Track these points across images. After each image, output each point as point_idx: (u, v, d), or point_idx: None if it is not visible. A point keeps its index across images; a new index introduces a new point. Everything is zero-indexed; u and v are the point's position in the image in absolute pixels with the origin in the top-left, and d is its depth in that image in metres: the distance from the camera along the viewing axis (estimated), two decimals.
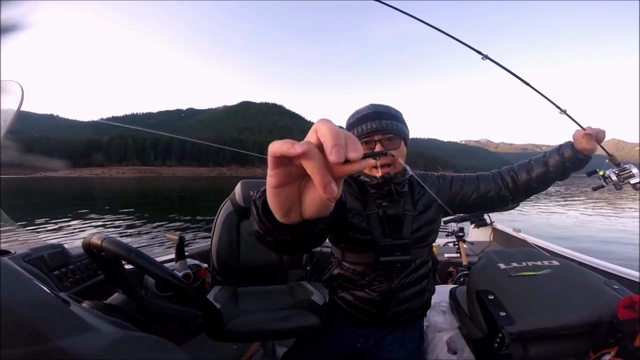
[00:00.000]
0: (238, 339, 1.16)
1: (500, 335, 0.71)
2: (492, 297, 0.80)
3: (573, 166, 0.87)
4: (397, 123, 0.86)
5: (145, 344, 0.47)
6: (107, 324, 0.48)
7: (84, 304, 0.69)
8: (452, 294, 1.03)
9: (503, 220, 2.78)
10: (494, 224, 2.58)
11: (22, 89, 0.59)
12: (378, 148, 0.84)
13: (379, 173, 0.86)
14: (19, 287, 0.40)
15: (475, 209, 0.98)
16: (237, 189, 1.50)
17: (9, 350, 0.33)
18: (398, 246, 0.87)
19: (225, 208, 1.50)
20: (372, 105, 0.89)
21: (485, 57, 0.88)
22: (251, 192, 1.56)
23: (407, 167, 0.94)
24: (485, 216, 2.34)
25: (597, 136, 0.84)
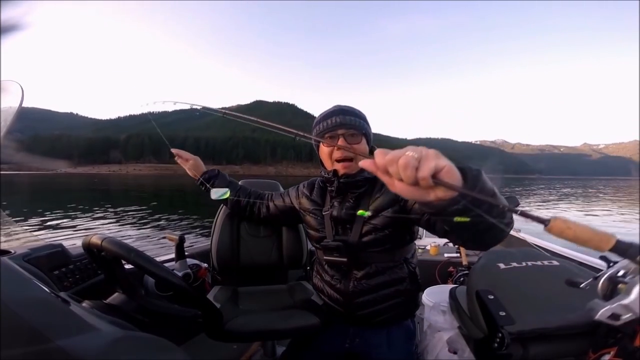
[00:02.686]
0: (238, 339, 1.16)
1: (500, 335, 0.71)
2: (492, 297, 0.80)
3: (433, 210, 0.44)
4: (359, 120, 0.89)
5: (145, 344, 0.47)
6: (107, 324, 0.48)
7: (84, 304, 0.69)
8: (452, 293, 1.03)
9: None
10: None
11: (22, 88, 0.59)
12: (341, 142, 0.86)
13: (339, 168, 0.89)
14: (19, 287, 0.40)
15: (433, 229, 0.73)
16: None
17: (8, 350, 0.33)
18: (335, 247, 0.88)
19: (226, 207, 1.50)
20: (337, 105, 0.93)
21: None
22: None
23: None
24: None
25: (388, 167, 0.37)
